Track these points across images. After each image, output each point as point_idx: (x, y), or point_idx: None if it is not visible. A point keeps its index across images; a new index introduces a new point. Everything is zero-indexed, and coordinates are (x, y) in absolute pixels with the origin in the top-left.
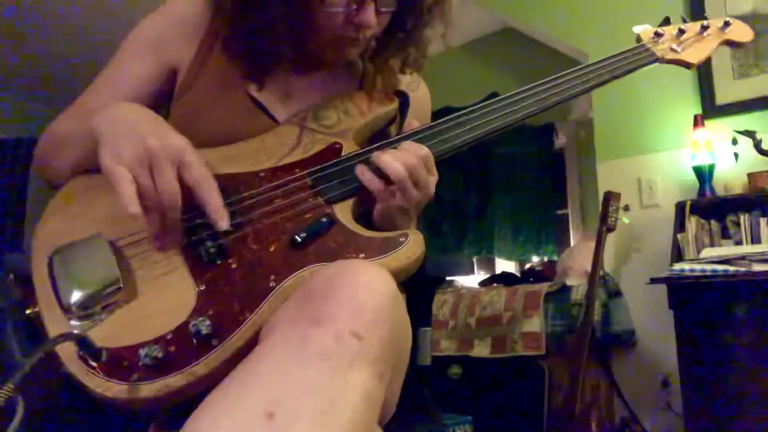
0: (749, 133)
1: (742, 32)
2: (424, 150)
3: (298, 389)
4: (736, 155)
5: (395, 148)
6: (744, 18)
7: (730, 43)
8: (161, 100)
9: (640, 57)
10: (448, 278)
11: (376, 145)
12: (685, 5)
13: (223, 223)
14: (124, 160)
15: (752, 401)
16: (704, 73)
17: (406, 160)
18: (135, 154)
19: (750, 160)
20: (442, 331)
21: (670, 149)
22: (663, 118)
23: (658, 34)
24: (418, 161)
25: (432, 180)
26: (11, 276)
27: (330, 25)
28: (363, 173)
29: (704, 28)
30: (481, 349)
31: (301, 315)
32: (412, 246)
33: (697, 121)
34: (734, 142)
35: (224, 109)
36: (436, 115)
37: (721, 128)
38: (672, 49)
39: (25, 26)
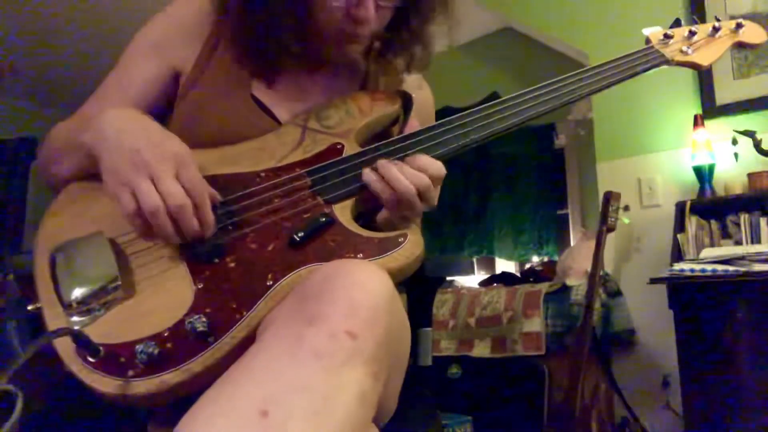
0: (749, 133)
1: (755, 34)
2: (440, 169)
3: (292, 388)
4: (736, 155)
5: (401, 151)
6: (743, 17)
7: (742, 45)
8: (168, 103)
9: (649, 59)
10: (448, 278)
11: (376, 145)
12: (685, 4)
13: (206, 231)
14: (127, 182)
15: (752, 401)
16: (704, 73)
17: (417, 180)
18: (135, 172)
19: (750, 160)
20: (442, 331)
21: (670, 149)
22: (663, 118)
23: (667, 36)
24: (429, 181)
25: (437, 193)
26: (11, 275)
27: (330, 20)
28: (371, 179)
29: (716, 29)
30: (481, 349)
31: (297, 314)
32: (410, 246)
33: (697, 121)
34: (734, 142)
35: (226, 110)
36: (437, 115)
37: (721, 128)
38: (682, 51)
39: (25, 27)
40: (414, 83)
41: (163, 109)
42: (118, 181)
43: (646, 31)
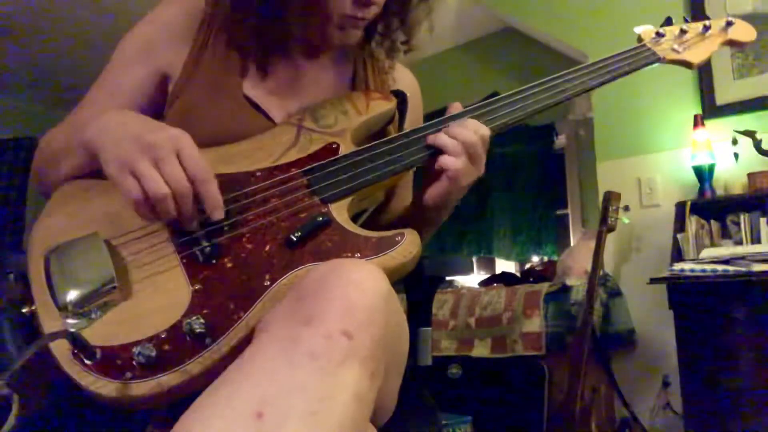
0: (749, 133)
1: (744, 32)
2: (484, 128)
3: (288, 389)
4: (736, 155)
5: (401, 149)
6: (744, 18)
7: (732, 44)
8: (157, 107)
9: (641, 57)
10: (448, 278)
11: (377, 142)
12: (684, 5)
13: (217, 212)
14: (129, 164)
15: (752, 401)
16: (704, 73)
17: (477, 127)
18: (137, 154)
19: (750, 160)
20: (442, 331)
21: (670, 149)
22: (663, 118)
23: (659, 35)
24: (478, 138)
25: (484, 159)
26: (11, 276)
27: (338, 5)
28: (435, 137)
29: (706, 28)
30: (481, 349)
31: (293, 314)
32: (408, 245)
33: (697, 121)
34: (734, 142)
35: (219, 111)
36: (437, 114)
37: (721, 128)
38: (673, 50)
39: (26, 27)
40: (398, 67)
41: (153, 113)
42: (120, 166)
43: (638, 29)
